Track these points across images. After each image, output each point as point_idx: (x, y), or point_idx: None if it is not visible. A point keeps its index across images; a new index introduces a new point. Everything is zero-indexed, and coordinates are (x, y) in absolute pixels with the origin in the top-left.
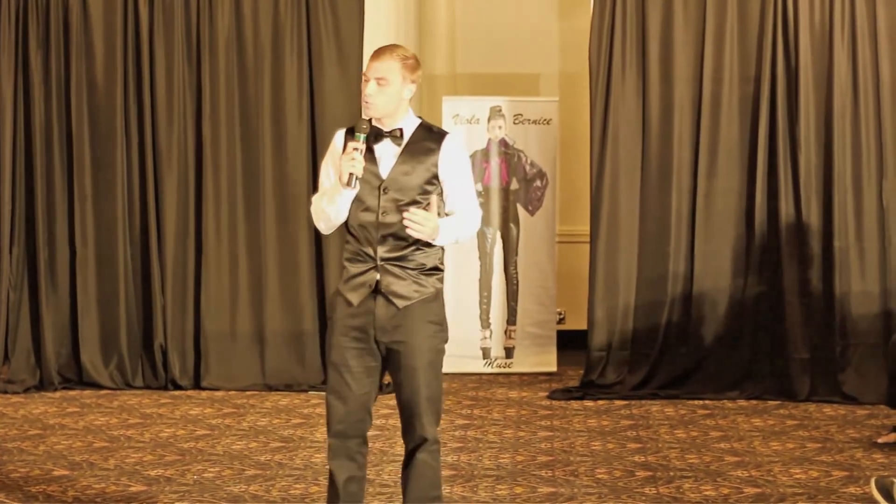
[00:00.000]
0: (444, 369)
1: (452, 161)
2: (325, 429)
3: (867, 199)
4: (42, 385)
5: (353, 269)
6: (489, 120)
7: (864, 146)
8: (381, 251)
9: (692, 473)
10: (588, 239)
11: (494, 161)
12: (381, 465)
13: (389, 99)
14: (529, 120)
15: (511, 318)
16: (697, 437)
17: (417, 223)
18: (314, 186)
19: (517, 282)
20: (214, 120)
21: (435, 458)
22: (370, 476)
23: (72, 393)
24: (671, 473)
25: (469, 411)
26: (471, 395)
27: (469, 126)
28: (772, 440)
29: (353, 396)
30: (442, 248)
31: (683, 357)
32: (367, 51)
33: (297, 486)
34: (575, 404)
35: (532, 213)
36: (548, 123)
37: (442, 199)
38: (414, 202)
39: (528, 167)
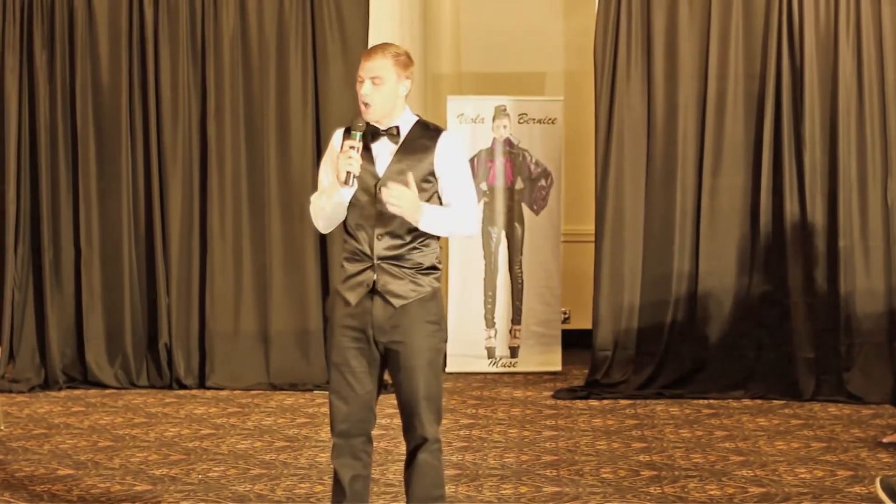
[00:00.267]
0: (449, 369)
1: (448, 157)
2: (329, 428)
3: (872, 197)
4: (47, 384)
5: (351, 268)
6: (494, 119)
7: (868, 144)
8: (378, 250)
9: (697, 473)
10: (593, 238)
11: (499, 160)
12: (385, 465)
13: (386, 98)
14: (534, 119)
15: (516, 318)
16: (702, 437)
17: (394, 197)
18: (318, 185)
19: (522, 281)
20: (219, 119)
21: (436, 457)
22: (375, 475)
23: (77, 392)
24: (676, 473)
25: (474, 411)
26: (475, 394)
27: (474, 125)
28: (777, 440)
29: (355, 396)
30: (439, 247)
31: (688, 356)
32: None
33: (302, 485)
34: (580, 403)
35: (537, 213)
36: (552, 123)
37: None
38: None
39: (532, 166)
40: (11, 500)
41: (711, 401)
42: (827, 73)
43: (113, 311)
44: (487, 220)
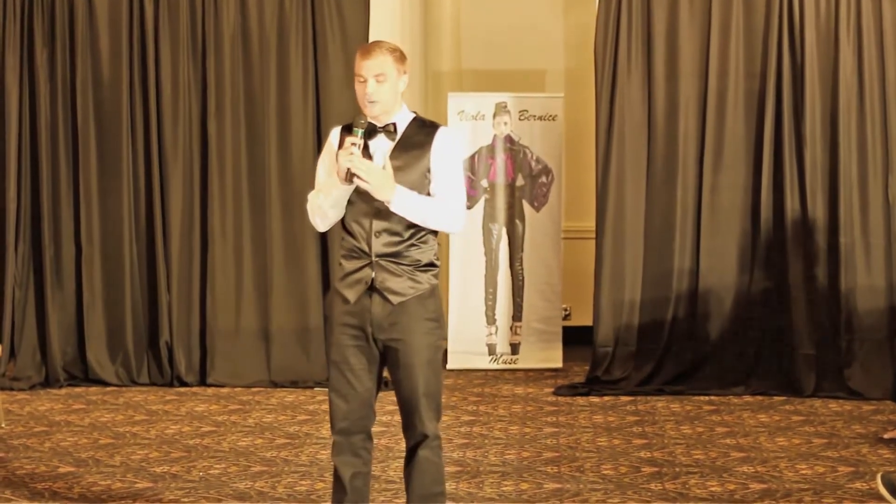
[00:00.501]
0: (450, 365)
1: (443, 152)
2: (330, 425)
3: (873, 194)
4: (48, 382)
5: (349, 265)
6: (494, 116)
7: (869, 142)
8: (376, 247)
9: (698, 469)
10: (594, 235)
11: (500, 157)
12: (386, 462)
13: (390, 94)
14: (535, 116)
15: (517, 315)
16: (703, 433)
17: (363, 172)
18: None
19: (523, 278)
20: (220, 117)
21: (436, 454)
22: (376, 472)
23: (77, 390)
24: (677, 469)
25: (475, 407)
26: (476, 391)
27: (474, 122)
28: (777, 436)
29: (355, 394)
30: (437, 244)
31: (689, 353)
32: None
33: (303, 482)
34: (580, 400)
35: (538, 210)
36: (553, 119)
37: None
38: None
39: (533, 163)
40: (13, 497)
41: (712, 397)
42: (827, 70)
43: (114, 308)
44: (488, 216)
